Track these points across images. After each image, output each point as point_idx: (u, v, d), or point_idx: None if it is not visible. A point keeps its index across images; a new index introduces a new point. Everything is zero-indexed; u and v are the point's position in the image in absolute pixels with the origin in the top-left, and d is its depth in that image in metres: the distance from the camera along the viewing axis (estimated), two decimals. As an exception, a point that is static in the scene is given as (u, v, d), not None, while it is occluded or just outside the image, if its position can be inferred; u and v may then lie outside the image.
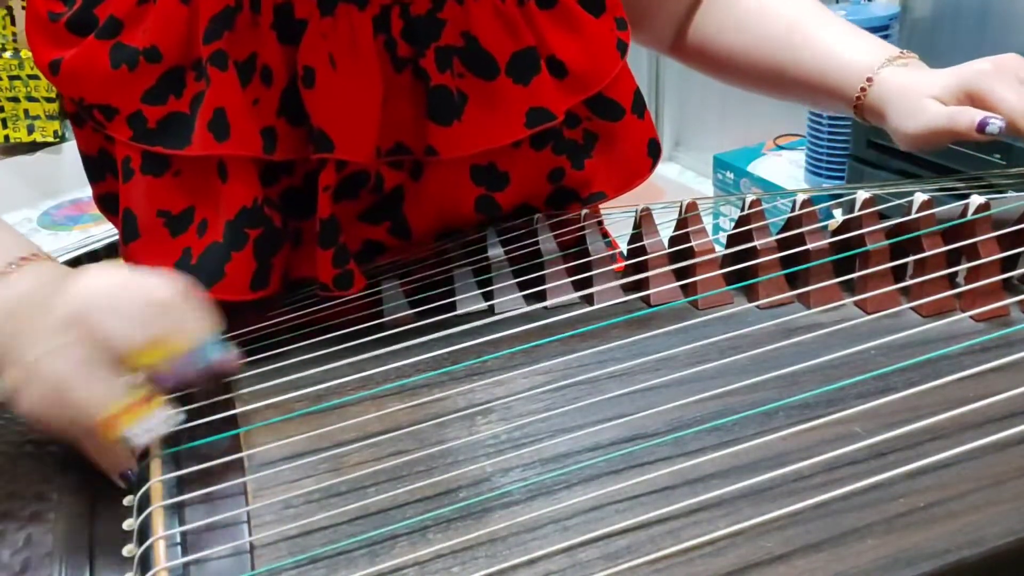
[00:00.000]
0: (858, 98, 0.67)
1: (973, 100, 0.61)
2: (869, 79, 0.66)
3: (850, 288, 0.54)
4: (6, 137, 1.91)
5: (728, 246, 0.57)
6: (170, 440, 0.45)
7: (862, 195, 0.55)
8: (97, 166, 0.59)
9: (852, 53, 0.68)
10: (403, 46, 0.55)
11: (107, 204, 0.61)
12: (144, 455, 0.44)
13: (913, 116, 0.63)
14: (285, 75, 0.54)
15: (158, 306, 0.43)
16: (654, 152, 0.65)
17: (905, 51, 0.67)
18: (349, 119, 0.54)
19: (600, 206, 0.67)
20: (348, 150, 0.54)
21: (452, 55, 0.56)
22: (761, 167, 2.16)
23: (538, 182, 0.61)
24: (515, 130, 0.58)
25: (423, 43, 0.55)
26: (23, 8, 0.59)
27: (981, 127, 0.58)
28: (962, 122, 0.59)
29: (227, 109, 0.53)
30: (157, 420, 0.42)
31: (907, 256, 0.54)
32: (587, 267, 0.57)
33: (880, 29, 2.08)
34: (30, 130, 1.93)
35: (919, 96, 0.63)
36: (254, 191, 0.55)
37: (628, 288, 0.57)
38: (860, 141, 2.02)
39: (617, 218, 0.62)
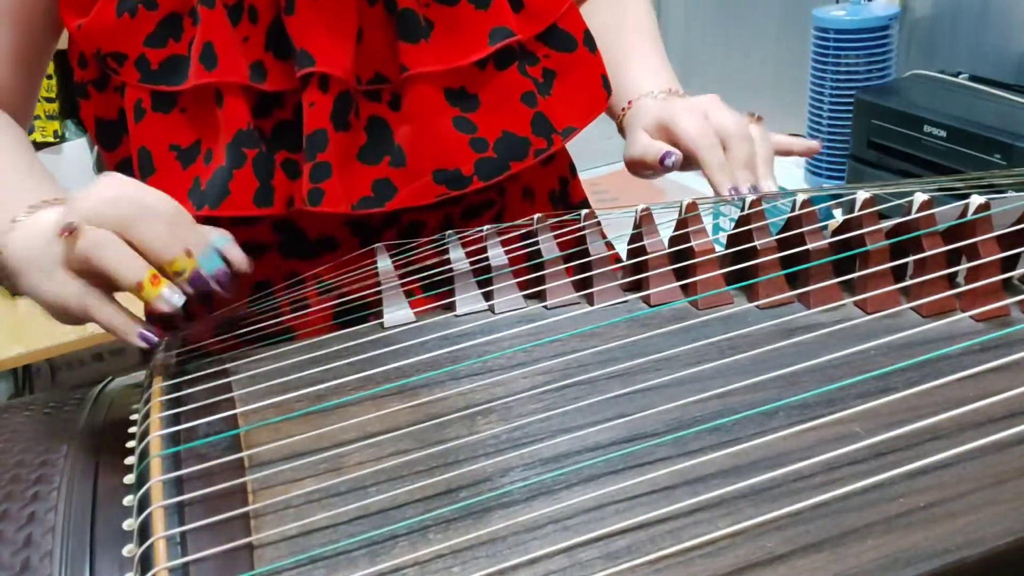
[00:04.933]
0: (619, 119, 0.74)
1: (665, 129, 0.69)
2: (629, 103, 0.74)
3: (850, 288, 0.54)
4: (6, 137, 1.91)
5: (728, 246, 0.57)
6: (170, 440, 0.45)
7: (862, 195, 0.55)
8: (115, 130, 0.65)
9: (635, 80, 0.75)
10: None
11: (125, 169, 0.64)
12: (144, 455, 0.44)
13: (630, 144, 0.71)
14: (270, 12, 0.60)
15: (166, 216, 0.50)
16: (607, 86, 0.70)
17: (676, 88, 0.74)
18: (327, 37, 0.60)
19: (600, 206, 0.67)
20: (328, 63, 0.59)
21: None
22: (761, 167, 2.16)
23: (512, 105, 0.65)
24: (479, 48, 0.63)
25: None
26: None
27: (662, 160, 0.67)
28: (650, 154, 0.68)
29: (215, 42, 0.59)
30: (175, 290, 0.49)
31: (907, 256, 0.54)
32: (587, 267, 0.57)
33: (880, 29, 2.09)
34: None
35: (635, 126, 0.71)
36: (248, 116, 0.60)
37: (628, 288, 0.57)
38: (860, 141, 2.02)
39: (617, 218, 0.62)
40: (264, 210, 0.61)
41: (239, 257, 0.52)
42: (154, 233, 0.49)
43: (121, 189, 0.50)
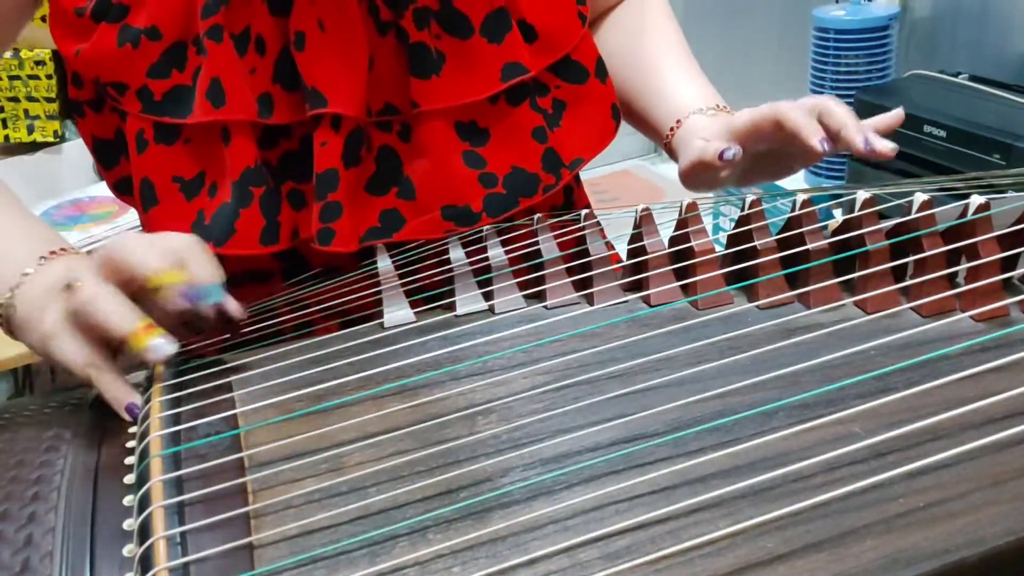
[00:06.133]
0: (667, 138, 0.73)
1: (736, 134, 0.65)
2: (678, 121, 0.72)
3: (850, 288, 0.54)
4: (6, 137, 1.91)
5: (728, 246, 0.57)
6: (170, 440, 0.45)
7: (862, 195, 0.55)
8: (113, 150, 0.64)
9: (678, 97, 0.74)
10: (384, 10, 0.60)
11: (123, 188, 0.65)
12: (144, 455, 0.44)
13: (683, 155, 0.69)
14: (278, 44, 0.59)
15: (170, 247, 0.50)
16: (616, 115, 0.69)
17: (723, 105, 0.73)
18: (339, 75, 0.59)
19: (600, 207, 0.67)
20: (340, 104, 0.58)
21: (429, 16, 0.61)
22: (761, 167, 2.16)
23: (523, 140, 0.64)
24: (491, 84, 0.62)
25: (402, 5, 0.59)
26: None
27: (721, 154, 0.64)
28: (708, 151, 0.65)
29: (222, 78, 0.58)
30: (167, 340, 0.49)
31: (907, 256, 0.54)
32: (587, 267, 0.57)
33: (880, 29, 2.09)
34: (30, 130, 1.92)
35: (691, 138, 0.69)
36: (255, 153, 0.59)
37: (628, 288, 0.57)
38: (860, 141, 2.01)
39: (617, 218, 0.62)
40: (270, 248, 0.60)
41: (235, 308, 0.52)
42: (138, 253, 0.49)
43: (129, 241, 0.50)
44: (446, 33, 0.61)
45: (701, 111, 0.71)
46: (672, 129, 0.72)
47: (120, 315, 0.48)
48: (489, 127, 0.63)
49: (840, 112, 0.63)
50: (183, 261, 0.50)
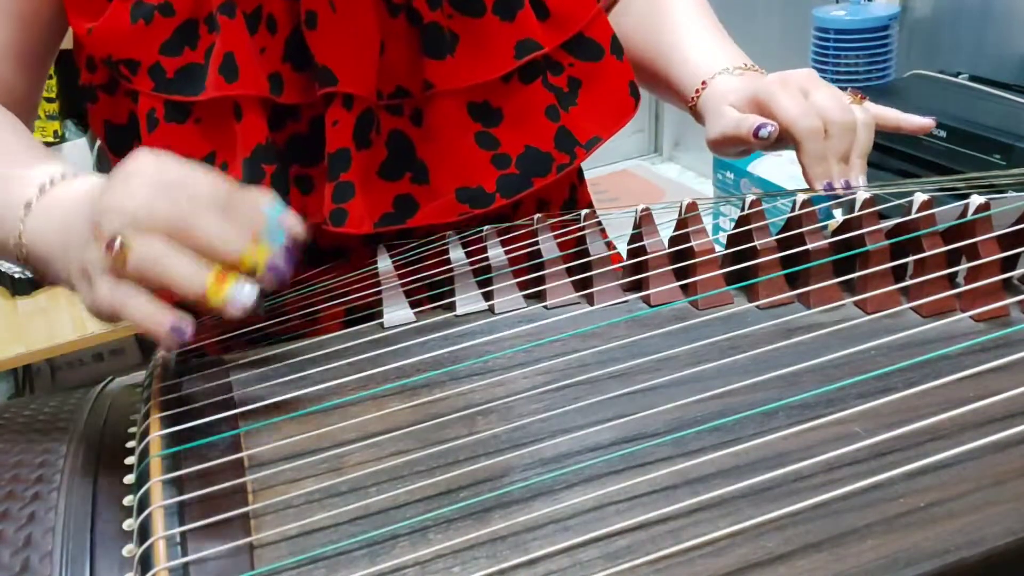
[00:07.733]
0: (692, 100, 0.71)
1: (760, 106, 0.64)
2: (704, 83, 0.70)
3: (850, 288, 0.54)
4: (6, 137, 1.91)
5: (728, 246, 0.57)
6: (170, 440, 0.45)
7: (862, 195, 0.55)
8: (126, 136, 0.63)
9: (702, 58, 0.72)
10: None
11: None
12: (144, 455, 0.44)
13: (714, 121, 0.67)
14: (289, 23, 0.58)
15: (248, 215, 0.45)
16: (635, 92, 0.68)
17: (751, 64, 0.71)
18: (350, 54, 0.58)
19: (600, 207, 0.67)
20: (351, 83, 0.58)
21: None
22: (761, 167, 2.16)
23: (535, 120, 0.63)
24: (506, 62, 0.62)
25: None
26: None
27: (756, 132, 0.63)
28: (744, 127, 0.64)
29: (236, 53, 0.57)
30: (245, 288, 0.43)
31: (907, 256, 0.54)
32: (587, 267, 0.57)
33: (880, 29, 2.09)
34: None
35: (720, 102, 0.67)
36: (266, 130, 0.59)
37: (628, 288, 0.57)
38: (860, 141, 2.01)
39: (617, 218, 0.62)
40: None
41: (295, 224, 0.47)
42: (215, 230, 0.44)
43: (160, 177, 0.45)
44: (458, 12, 0.61)
45: (727, 70, 0.70)
46: (698, 91, 0.70)
47: (190, 275, 0.43)
48: (502, 107, 0.63)
49: (833, 143, 0.62)
50: (234, 211, 0.45)
